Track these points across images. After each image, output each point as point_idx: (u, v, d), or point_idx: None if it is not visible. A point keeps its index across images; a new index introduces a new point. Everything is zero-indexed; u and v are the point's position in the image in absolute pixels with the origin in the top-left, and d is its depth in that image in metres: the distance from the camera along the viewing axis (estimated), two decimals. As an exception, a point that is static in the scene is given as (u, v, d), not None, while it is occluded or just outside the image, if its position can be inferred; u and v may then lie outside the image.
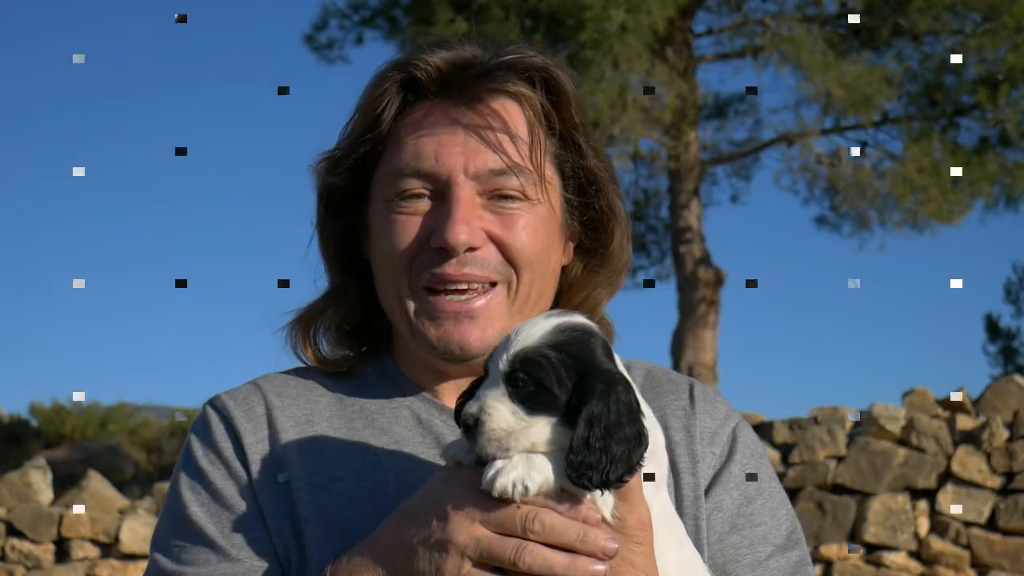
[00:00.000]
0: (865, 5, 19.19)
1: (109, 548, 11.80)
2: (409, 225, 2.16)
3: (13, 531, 11.82)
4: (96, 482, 12.20)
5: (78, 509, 11.65)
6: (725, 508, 2.20)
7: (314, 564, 2.04)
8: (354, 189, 2.26)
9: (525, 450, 1.81)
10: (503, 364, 1.83)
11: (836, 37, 19.30)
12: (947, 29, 18.93)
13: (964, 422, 11.62)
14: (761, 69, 19.98)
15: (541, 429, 1.81)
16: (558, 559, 1.80)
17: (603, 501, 1.83)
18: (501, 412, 1.81)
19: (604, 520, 1.83)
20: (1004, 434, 11.44)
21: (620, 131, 17.51)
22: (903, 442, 11.63)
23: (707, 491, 2.21)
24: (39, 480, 12.12)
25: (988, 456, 11.43)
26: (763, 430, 11.80)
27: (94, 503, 11.87)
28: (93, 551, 11.76)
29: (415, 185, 2.16)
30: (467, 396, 1.92)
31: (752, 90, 20.73)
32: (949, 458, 11.51)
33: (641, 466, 1.81)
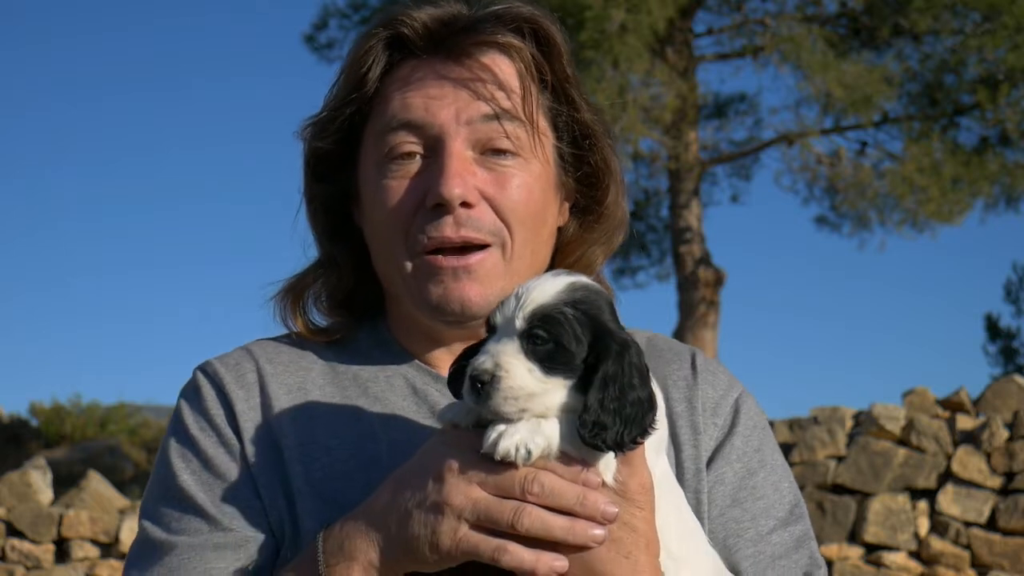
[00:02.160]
0: (865, 5, 19.18)
1: (109, 548, 11.80)
2: (402, 188, 2.10)
3: (13, 531, 11.81)
4: (96, 482, 12.20)
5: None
6: (727, 481, 2.16)
7: (307, 535, 1.99)
8: (342, 154, 2.20)
9: (538, 414, 1.75)
10: (519, 321, 1.75)
11: (836, 37, 19.29)
12: (947, 29, 18.92)
13: (964, 422, 11.62)
14: (761, 69, 20.00)
15: (556, 392, 1.75)
16: (557, 522, 1.75)
17: (605, 465, 1.78)
18: (519, 369, 1.73)
19: (605, 484, 1.79)
20: (1004, 434, 11.44)
21: (620, 131, 17.48)
22: (903, 442, 11.62)
23: (709, 463, 2.17)
24: (39, 480, 12.11)
25: (988, 456, 11.43)
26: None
27: (94, 503, 11.87)
28: (93, 551, 11.76)
29: (405, 139, 2.10)
30: (463, 359, 1.84)
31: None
32: (949, 458, 11.51)
33: (654, 429, 1.77)
